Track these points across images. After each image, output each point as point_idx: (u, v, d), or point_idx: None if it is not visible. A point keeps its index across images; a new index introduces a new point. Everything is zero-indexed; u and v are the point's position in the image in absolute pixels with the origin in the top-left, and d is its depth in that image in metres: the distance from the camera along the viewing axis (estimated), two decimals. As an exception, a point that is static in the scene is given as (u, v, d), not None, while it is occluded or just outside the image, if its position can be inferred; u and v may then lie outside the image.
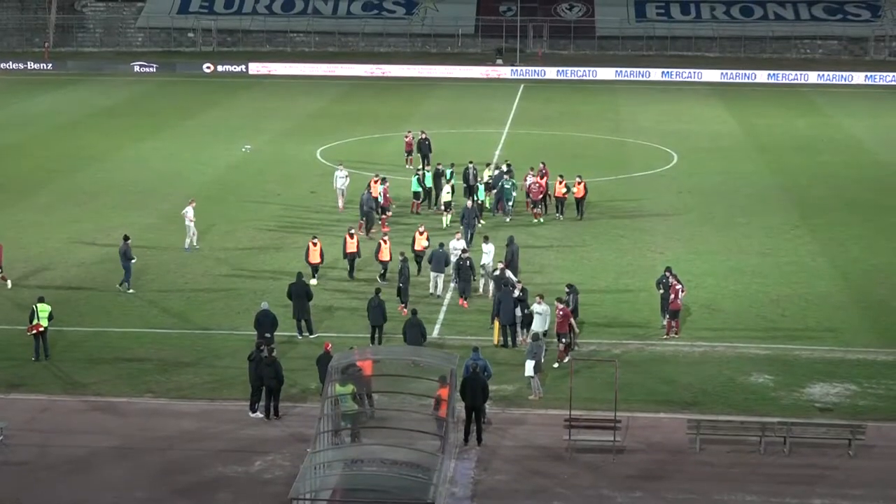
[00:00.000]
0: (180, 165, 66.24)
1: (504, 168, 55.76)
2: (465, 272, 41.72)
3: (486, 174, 55.93)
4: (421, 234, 45.10)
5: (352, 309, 41.35)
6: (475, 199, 53.08)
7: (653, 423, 32.53)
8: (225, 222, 53.47)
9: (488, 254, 43.39)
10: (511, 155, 65.48)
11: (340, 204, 54.79)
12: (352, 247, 44.26)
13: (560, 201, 54.18)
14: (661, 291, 39.62)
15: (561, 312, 36.14)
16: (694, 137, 76.09)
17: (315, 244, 43.68)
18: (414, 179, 55.00)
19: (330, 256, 44.82)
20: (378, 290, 39.04)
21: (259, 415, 32.68)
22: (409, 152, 65.35)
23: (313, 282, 42.77)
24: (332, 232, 50.41)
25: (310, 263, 43.57)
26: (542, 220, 53.76)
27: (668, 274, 39.67)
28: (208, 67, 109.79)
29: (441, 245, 43.61)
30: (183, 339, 38.70)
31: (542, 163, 57.16)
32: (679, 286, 39.17)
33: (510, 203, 54.00)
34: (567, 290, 38.76)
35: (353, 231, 44.73)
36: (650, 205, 57.64)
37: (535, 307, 36.68)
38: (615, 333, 39.54)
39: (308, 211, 55.77)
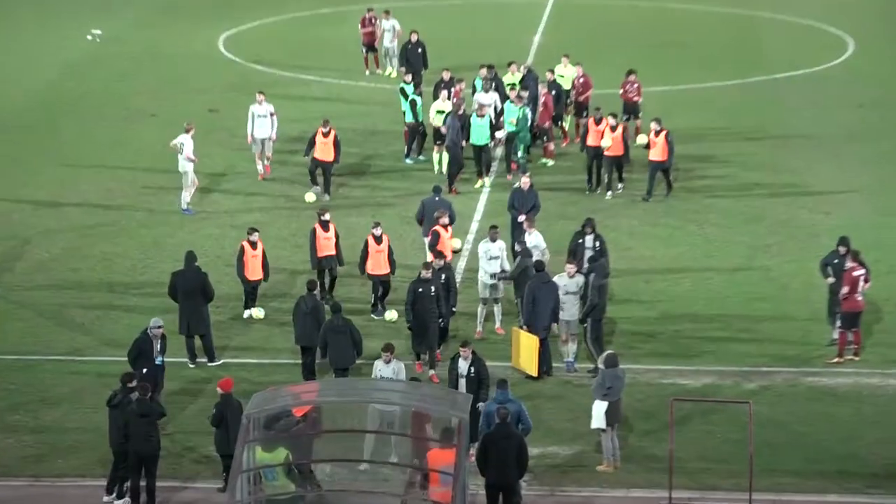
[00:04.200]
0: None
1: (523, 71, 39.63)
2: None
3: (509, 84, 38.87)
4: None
5: (281, 324, 29.56)
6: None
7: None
8: (44, 167, 38.87)
9: (498, 258, 29.72)
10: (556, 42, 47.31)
11: (261, 167, 37.76)
12: (328, 246, 29.95)
13: (614, 162, 36.07)
14: (830, 280, 28.57)
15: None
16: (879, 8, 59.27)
17: (255, 245, 29.14)
18: (405, 102, 38.73)
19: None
20: (310, 287, 26.85)
21: (121, 501, 24.34)
22: (370, 47, 47.71)
23: (258, 313, 29.68)
24: (257, 200, 36.46)
25: (247, 280, 29.34)
26: (550, 161, 39.12)
27: (842, 249, 28.57)
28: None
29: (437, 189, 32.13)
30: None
31: (633, 71, 40.70)
32: (861, 272, 28.29)
33: (520, 154, 37.10)
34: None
35: (327, 217, 29.94)
36: (802, 125, 43.32)
37: (380, 364, 26.58)
38: (745, 354, 28.72)
39: (208, 148, 39.25)
